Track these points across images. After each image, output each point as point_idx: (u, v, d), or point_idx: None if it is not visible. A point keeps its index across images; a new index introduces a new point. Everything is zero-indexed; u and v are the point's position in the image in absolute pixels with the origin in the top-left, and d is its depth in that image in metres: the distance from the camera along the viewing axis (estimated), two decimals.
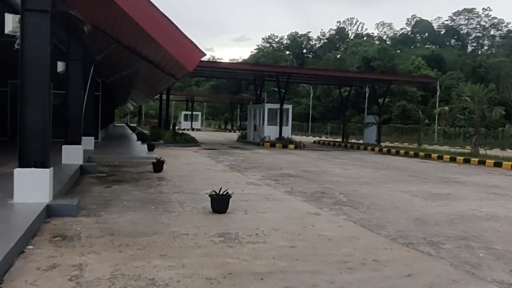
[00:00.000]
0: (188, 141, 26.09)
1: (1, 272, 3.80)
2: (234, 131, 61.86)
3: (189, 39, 6.09)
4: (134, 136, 29.46)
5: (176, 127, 35.42)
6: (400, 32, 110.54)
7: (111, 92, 29.26)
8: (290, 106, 32.44)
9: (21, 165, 6.20)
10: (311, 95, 66.29)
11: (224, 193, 7.11)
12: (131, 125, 60.54)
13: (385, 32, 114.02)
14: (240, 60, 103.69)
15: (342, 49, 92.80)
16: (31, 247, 4.73)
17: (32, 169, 6.20)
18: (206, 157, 18.52)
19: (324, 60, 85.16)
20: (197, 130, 58.42)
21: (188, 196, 8.52)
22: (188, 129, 52.77)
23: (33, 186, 6.17)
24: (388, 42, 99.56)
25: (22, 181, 6.15)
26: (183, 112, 67.36)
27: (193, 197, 8.45)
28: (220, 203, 7.03)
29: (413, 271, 4.65)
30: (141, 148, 18.77)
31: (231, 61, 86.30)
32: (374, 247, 5.52)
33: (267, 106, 31.19)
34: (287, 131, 30.56)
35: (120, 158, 14.59)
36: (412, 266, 4.82)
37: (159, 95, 32.37)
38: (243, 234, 5.74)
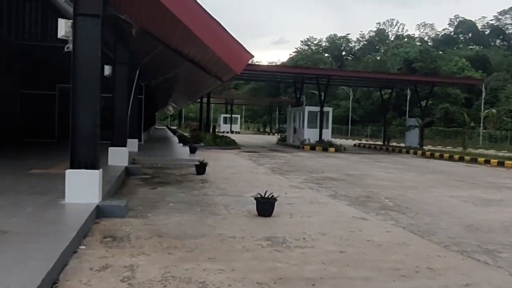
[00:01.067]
0: (228, 144, 26.23)
1: (56, 271, 3.86)
2: (273, 134, 61.85)
3: (236, 40, 6.07)
4: (175, 139, 29.87)
5: (216, 130, 35.71)
6: (442, 33, 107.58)
7: (153, 95, 29.80)
8: (330, 109, 32.18)
9: (72, 166, 6.34)
10: (351, 98, 65.49)
11: (269, 196, 7.06)
12: (172, 127, 61.48)
13: (426, 33, 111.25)
14: (278, 63, 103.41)
15: (382, 50, 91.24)
16: (83, 247, 4.81)
17: (83, 170, 6.33)
18: (247, 160, 18.54)
19: (364, 62, 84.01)
20: (236, 133, 58.71)
21: (232, 199, 8.52)
22: (227, 132, 53.10)
23: (83, 187, 6.30)
24: (429, 43, 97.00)
25: (73, 181, 6.28)
26: (222, 115, 67.87)
27: (238, 200, 8.43)
28: (265, 206, 6.98)
29: (471, 281, 4.45)
30: (183, 151, 18.99)
31: (269, 64, 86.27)
32: (427, 254, 5.33)
33: (307, 108, 30.98)
34: (327, 134, 30.26)
35: (163, 160, 14.79)
36: (469, 275, 4.62)
37: (199, 98, 32.65)
38: (290, 238, 5.67)
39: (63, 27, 6.34)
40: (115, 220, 6.15)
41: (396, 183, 12.53)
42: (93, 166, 6.39)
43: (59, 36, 6.40)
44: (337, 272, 4.45)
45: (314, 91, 65.75)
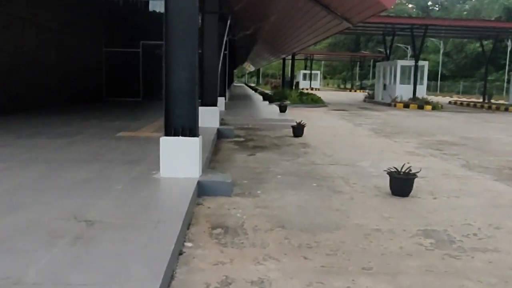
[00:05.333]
0: (315, 102, 24.66)
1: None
2: (355, 91, 59.13)
3: None
4: (258, 96, 28.73)
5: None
6: None
7: (234, 51, 28.58)
8: (426, 63, 29.32)
9: (167, 133, 5.19)
10: (441, 51, 60.51)
11: (407, 170, 5.56)
12: (250, 85, 60.53)
13: None
14: None
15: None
16: (189, 244, 3.65)
17: (180, 137, 5.17)
18: (340, 119, 16.96)
19: (454, 12, 77.22)
20: (316, 89, 56.54)
21: (347, 169, 7.11)
22: (307, 89, 51.15)
23: (181, 157, 5.15)
24: None
25: (168, 151, 5.15)
26: (302, 71, 65.56)
27: (354, 171, 7.02)
28: (403, 184, 5.50)
29: None
30: (270, 109, 17.71)
31: None
32: None
33: (400, 63, 28.43)
34: (421, 91, 27.72)
35: (253, 120, 13.60)
36: None
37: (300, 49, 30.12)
38: (455, 234, 4.18)
39: None
40: (219, 200, 4.97)
41: None
42: (192, 133, 5.21)
43: None
44: None
45: (399, 45, 61.49)
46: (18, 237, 3.18)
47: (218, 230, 4.01)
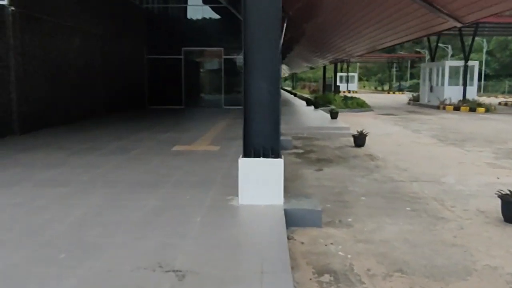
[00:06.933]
0: (360, 106, 23.73)
1: None
2: (393, 93, 57.62)
3: None
4: (298, 101, 27.96)
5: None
6: None
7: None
8: (476, 63, 27.91)
9: (247, 154, 4.54)
10: (484, 50, 58.20)
11: None
12: (287, 89, 59.83)
13: None
14: None
15: None
16: None
17: (261, 159, 4.50)
18: (394, 125, 16.02)
19: None
20: (353, 92, 55.26)
21: (433, 187, 6.30)
22: (343, 92, 49.95)
23: (263, 182, 4.48)
24: None
25: (249, 175, 4.48)
26: (338, 74, 64.21)
27: (443, 189, 6.20)
28: None
29: None
30: (319, 115, 16.92)
31: None
32: None
33: (448, 63, 27.14)
34: (471, 92, 26.36)
35: (305, 129, 12.88)
36: None
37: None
38: None
39: None
40: (311, 232, 4.28)
41: None
42: (275, 153, 4.54)
43: None
44: None
45: (440, 44, 59.45)
46: None
47: (326, 277, 3.31)
